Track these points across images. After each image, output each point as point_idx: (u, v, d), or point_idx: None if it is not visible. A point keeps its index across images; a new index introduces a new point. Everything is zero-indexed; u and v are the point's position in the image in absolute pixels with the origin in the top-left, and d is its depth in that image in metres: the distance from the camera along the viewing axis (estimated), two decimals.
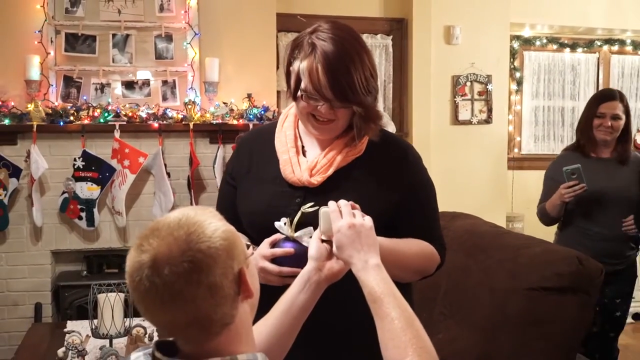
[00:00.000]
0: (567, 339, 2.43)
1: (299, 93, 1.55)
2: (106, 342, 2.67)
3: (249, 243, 1.14)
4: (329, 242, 1.36)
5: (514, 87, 5.49)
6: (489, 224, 3.15)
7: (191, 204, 4.11)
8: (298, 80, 1.55)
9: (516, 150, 5.56)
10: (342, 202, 1.36)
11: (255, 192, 1.67)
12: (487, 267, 2.73)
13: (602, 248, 3.12)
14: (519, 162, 5.46)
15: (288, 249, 1.47)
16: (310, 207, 1.48)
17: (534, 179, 5.57)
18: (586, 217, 3.21)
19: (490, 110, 4.96)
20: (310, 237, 1.46)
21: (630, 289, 3.33)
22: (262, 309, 1.44)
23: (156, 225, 1.00)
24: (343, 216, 1.33)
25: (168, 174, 4.11)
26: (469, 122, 4.91)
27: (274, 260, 1.48)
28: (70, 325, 3.16)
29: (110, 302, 2.64)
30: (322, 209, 1.37)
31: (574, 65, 5.71)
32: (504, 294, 2.59)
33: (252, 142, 1.77)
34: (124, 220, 4.07)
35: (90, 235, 4.15)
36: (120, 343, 2.72)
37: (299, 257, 1.44)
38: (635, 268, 3.40)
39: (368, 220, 1.33)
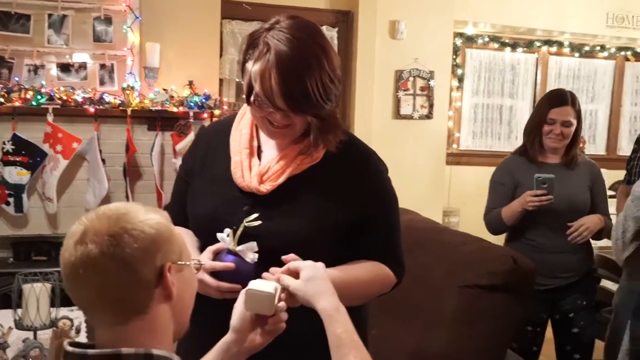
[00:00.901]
0: (499, 337, 2.44)
1: (251, 98, 1.42)
2: (30, 334, 2.53)
3: (199, 262, 1.17)
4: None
5: (455, 83, 5.53)
6: (427, 220, 3.14)
7: (126, 191, 3.99)
8: (250, 84, 1.41)
9: (455, 145, 5.61)
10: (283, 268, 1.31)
11: (203, 194, 1.55)
12: (425, 264, 2.71)
13: (553, 261, 2.88)
14: (457, 158, 5.52)
15: (228, 263, 1.39)
16: (255, 219, 1.40)
17: (471, 175, 5.67)
18: (534, 228, 2.92)
19: (431, 106, 4.98)
20: (256, 252, 1.39)
21: (587, 301, 2.97)
22: (205, 324, 1.38)
23: (99, 207, 1.06)
24: (299, 266, 1.28)
25: (103, 161, 3.97)
26: (411, 117, 4.92)
27: (215, 272, 1.39)
28: None
29: (36, 293, 2.51)
30: (248, 290, 1.24)
31: (514, 64, 5.80)
32: (439, 291, 2.57)
33: (210, 136, 1.64)
34: (55, 206, 3.91)
35: (18, 221, 3.97)
36: (46, 335, 2.59)
37: (240, 273, 1.38)
38: (594, 280, 3.15)
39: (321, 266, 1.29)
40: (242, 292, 1.26)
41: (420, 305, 2.65)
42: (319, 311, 1.21)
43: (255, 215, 1.41)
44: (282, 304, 1.27)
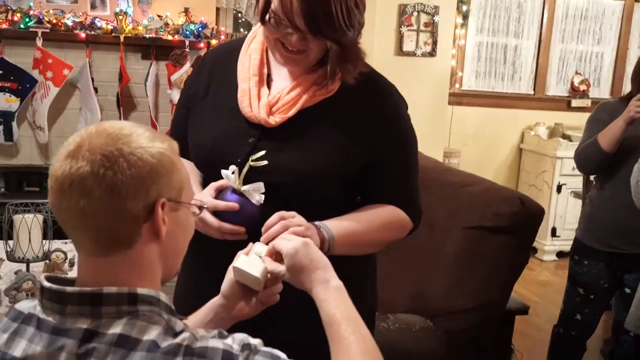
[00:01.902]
0: (502, 280, 2.42)
1: (267, 16, 1.31)
2: (22, 266, 2.49)
3: (202, 203, 1.08)
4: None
5: (459, 20, 5.38)
6: (431, 160, 3.09)
7: None
8: (268, 0, 1.30)
9: (457, 85, 5.52)
10: (278, 216, 1.23)
11: (206, 123, 1.45)
12: (428, 204, 2.64)
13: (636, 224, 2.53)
14: (458, 98, 5.44)
15: (232, 203, 1.30)
16: (261, 157, 1.31)
17: (473, 115, 5.60)
18: (621, 180, 2.47)
19: (435, 43, 4.85)
20: (262, 193, 1.31)
21: None
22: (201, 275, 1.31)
23: (104, 122, 0.97)
24: (289, 239, 1.17)
25: (95, 89, 3.85)
26: (413, 54, 4.79)
27: (217, 211, 1.31)
28: None
29: (27, 224, 2.46)
30: (235, 267, 1.16)
31: (521, 2, 5.65)
32: (442, 232, 2.55)
33: (216, 60, 1.52)
34: (46, 136, 3.82)
35: (8, 150, 3.88)
36: (38, 267, 2.55)
37: (243, 215, 1.30)
38: None
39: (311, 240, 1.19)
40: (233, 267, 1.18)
41: (421, 245, 2.62)
42: (312, 296, 1.12)
43: (261, 153, 1.33)
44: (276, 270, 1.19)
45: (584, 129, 2.82)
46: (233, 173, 1.32)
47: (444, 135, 5.08)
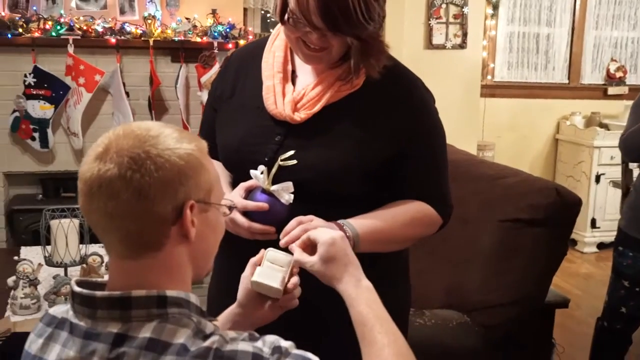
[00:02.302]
0: (539, 273, 2.39)
1: (285, 15, 1.31)
2: (60, 270, 2.54)
3: (232, 203, 1.07)
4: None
5: (489, 11, 5.33)
6: (463, 153, 3.06)
7: None
8: (285, 0, 1.30)
9: (489, 77, 5.46)
10: (297, 221, 1.23)
11: (232, 123, 1.45)
12: (461, 198, 2.62)
13: None
14: (491, 90, 5.38)
15: (262, 203, 1.30)
16: (290, 157, 1.31)
17: (506, 107, 5.53)
18: None
19: (465, 35, 4.79)
20: (292, 193, 1.30)
21: None
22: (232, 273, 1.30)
23: (131, 123, 0.97)
24: (321, 227, 1.17)
25: (127, 94, 3.90)
26: (443, 47, 4.75)
27: (247, 211, 1.31)
28: (24, 251, 3.02)
29: (64, 229, 2.50)
30: (253, 281, 1.16)
31: None
32: (476, 226, 2.52)
33: (241, 60, 1.52)
34: (81, 142, 3.89)
35: (45, 157, 3.96)
36: (76, 271, 2.59)
37: (273, 215, 1.30)
38: None
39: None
40: (246, 274, 1.19)
41: (456, 239, 2.60)
42: (340, 292, 1.12)
43: (290, 153, 1.33)
44: (295, 279, 1.18)
45: (628, 115, 2.75)
46: (262, 173, 1.32)
47: (477, 128, 5.02)
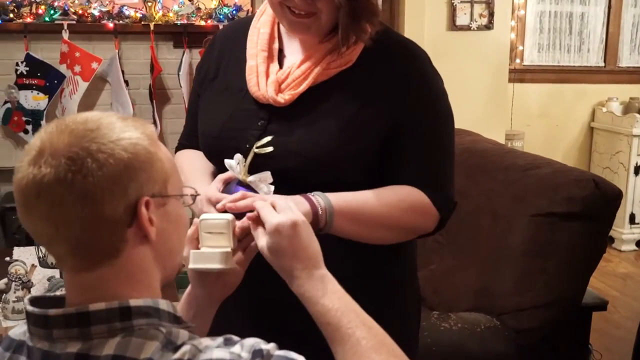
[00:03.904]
0: (577, 271, 2.35)
1: None
2: (56, 272, 2.54)
3: (195, 192, 1.01)
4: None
5: None
6: (491, 142, 3.03)
7: (153, 116, 3.94)
8: None
9: (518, 60, 5.41)
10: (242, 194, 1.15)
11: (213, 107, 1.41)
12: (489, 190, 2.62)
13: None
14: (520, 74, 5.33)
15: (237, 196, 1.22)
16: (267, 144, 1.26)
17: (537, 93, 5.47)
18: None
19: (491, 15, 4.75)
20: (271, 183, 1.25)
21: None
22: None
23: (65, 117, 0.91)
24: (279, 209, 1.06)
25: (126, 82, 3.91)
26: (468, 28, 4.71)
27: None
28: (17, 252, 3.02)
29: None
30: (191, 266, 1.09)
31: None
32: (507, 220, 2.49)
33: (225, 40, 1.48)
34: None
35: None
36: None
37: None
38: None
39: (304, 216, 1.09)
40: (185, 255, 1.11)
41: (484, 236, 2.57)
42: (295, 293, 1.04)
43: (267, 139, 1.28)
44: (243, 223, 1.11)
45: None
46: (238, 163, 1.27)
47: (505, 116, 4.98)
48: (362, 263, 1.37)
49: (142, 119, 0.98)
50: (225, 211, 1.17)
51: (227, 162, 1.29)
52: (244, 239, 1.15)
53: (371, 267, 1.40)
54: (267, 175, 1.25)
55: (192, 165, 1.44)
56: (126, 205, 0.87)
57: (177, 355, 0.84)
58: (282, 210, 1.06)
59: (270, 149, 1.27)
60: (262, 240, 1.07)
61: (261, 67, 1.36)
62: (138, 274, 0.91)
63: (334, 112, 1.31)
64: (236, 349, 0.86)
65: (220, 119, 1.38)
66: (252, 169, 1.27)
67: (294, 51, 1.38)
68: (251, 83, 1.35)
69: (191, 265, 1.10)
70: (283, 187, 1.25)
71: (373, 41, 1.32)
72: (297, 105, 1.32)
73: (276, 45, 1.39)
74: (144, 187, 0.88)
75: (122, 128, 0.89)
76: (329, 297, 1.00)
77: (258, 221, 1.08)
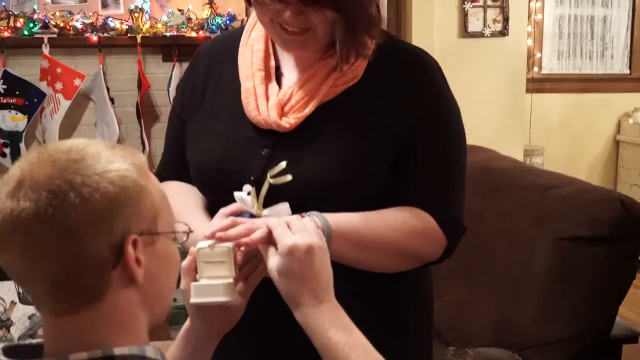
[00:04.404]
0: (604, 298, 2.35)
1: None
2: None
3: (187, 229, 1.00)
4: None
5: None
6: (508, 159, 3.04)
7: (141, 136, 3.97)
8: None
9: (536, 69, 5.44)
10: (293, 217, 1.14)
11: (205, 136, 1.39)
12: (507, 212, 2.62)
13: None
14: (539, 84, 5.36)
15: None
16: (282, 171, 1.22)
17: (557, 104, 5.49)
18: None
19: (506, 20, 4.79)
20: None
21: None
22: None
23: (47, 145, 0.91)
24: (294, 229, 1.07)
25: (111, 100, 3.95)
26: (481, 35, 4.74)
27: None
28: None
29: None
30: (193, 300, 1.09)
31: None
32: (527, 245, 2.49)
33: (211, 57, 1.46)
34: None
35: None
36: None
37: None
38: None
39: (324, 240, 1.09)
40: (184, 288, 1.13)
41: (503, 262, 2.57)
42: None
43: (282, 165, 1.23)
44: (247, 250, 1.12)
45: None
46: (249, 194, 1.24)
47: (523, 129, 4.99)
48: (360, 286, 1.35)
49: (132, 147, 0.98)
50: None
51: (237, 194, 1.25)
52: (245, 267, 1.15)
53: (369, 291, 1.38)
54: (284, 208, 1.22)
55: (183, 201, 1.40)
56: (111, 244, 0.86)
57: None
58: (298, 232, 1.07)
59: (289, 177, 1.22)
60: (272, 260, 1.07)
61: (259, 89, 1.34)
62: (123, 319, 0.90)
63: (344, 134, 1.31)
64: None
65: (217, 148, 1.36)
66: (264, 202, 1.24)
67: (292, 67, 1.37)
68: (249, 107, 1.33)
69: (192, 300, 1.10)
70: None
71: (378, 53, 1.32)
72: (302, 128, 1.31)
73: (273, 63, 1.38)
74: (131, 224, 0.87)
75: (109, 158, 0.88)
76: (336, 330, 1.01)
77: (269, 241, 1.08)
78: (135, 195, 0.88)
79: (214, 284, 1.09)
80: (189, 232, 1.01)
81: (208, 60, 1.46)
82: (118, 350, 0.86)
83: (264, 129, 1.33)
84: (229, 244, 1.11)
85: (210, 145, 1.37)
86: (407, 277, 1.42)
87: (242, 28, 1.45)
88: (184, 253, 1.11)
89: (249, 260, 1.13)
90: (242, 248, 1.12)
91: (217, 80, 1.42)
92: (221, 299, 1.08)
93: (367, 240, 1.28)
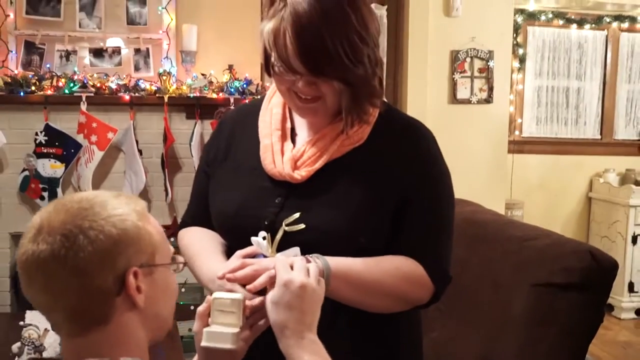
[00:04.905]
0: (577, 340, 2.34)
1: (269, 66, 1.33)
2: None
3: (181, 260, 1.08)
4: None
5: (516, 64, 5.40)
6: (491, 212, 3.05)
7: (165, 184, 3.99)
8: (267, 49, 1.32)
9: (517, 132, 5.49)
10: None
11: (227, 187, 1.44)
12: (490, 260, 2.63)
13: None
14: (519, 146, 5.41)
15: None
16: (296, 221, 1.28)
17: (536, 164, 5.53)
18: None
19: (491, 89, 4.85)
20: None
21: None
22: None
23: (64, 197, 1.00)
24: (295, 268, 1.12)
25: (140, 152, 3.98)
26: (468, 101, 4.81)
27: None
28: (30, 316, 3.01)
29: None
30: (204, 344, 1.14)
31: (581, 42, 5.63)
32: (508, 290, 2.49)
33: (235, 122, 1.53)
34: None
35: None
36: None
37: None
38: None
39: (322, 287, 1.15)
40: (197, 329, 1.18)
41: (486, 304, 2.56)
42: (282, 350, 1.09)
43: (296, 216, 1.30)
44: (255, 301, 1.16)
45: None
46: (264, 239, 1.28)
47: (505, 185, 5.02)
48: (358, 325, 1.39)
49: (135, 196, 1.05)
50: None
51: (254, 239, 1.29)
52: (251, 317, 1.19)
53: (367, 330, 1.41)
54: (296, 251, 1.27)
55: (202, 243, 1.45)
56: (114, 276, 0.94)
57: None
58: (298, 270, 1.12)
59: (302, 226, 1.28)
60: (270, 293, 1.12)
61: (276, 146, 1.40)
62: (127, 338, 0.97)
63: (349, 189, 1.36)
64: None
65: (237, 197, 1.41)
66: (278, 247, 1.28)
67: (305, 129, 1.43)
68: (266, 161, 1.39)
69: (203, 343, 1.14)
70: None
71: (381, 120, 1.38)
72: (312, 181, 1.36)
73: (289, 125, 1.44)
74: (132, 259, 0.95)
75: (114, 205, 0.96)
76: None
77: (272, 283, 1.14)
78: (135, 235, 0.96)
79: (223, 332, 1.13)
80: (184, 264, 1.10)
81: (232, 124, 1.53)
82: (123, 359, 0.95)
83: (279, 181, 1.38)
84: (240, 296, 1.16)
85: (231, 194, 1.42)
86: (401, 319, 1.46)
87: (261, 99, 1.52)
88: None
89: (255, 312, 1.18)
90: (249, 301, 1.17)
91: (239, 140, 1.48)
92: (228, 346, 1.13)
93: (363, 282, 1.32)
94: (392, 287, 1.35)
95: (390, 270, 1.35)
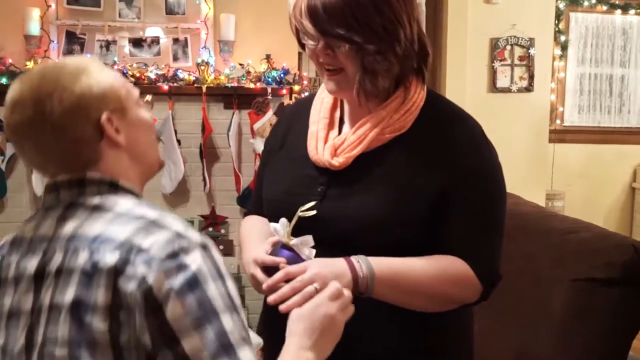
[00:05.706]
0: (617, 337, 2.32)
1: (298, 36, 1.39)
2: None
3: (149, 96, 1.23)
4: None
5: (557, 52, 5.33)
6: (531, 204, 3.02)
7: (203, 174, 4.04)
8: (292, 17, 1.36)
9: (558, 121, 5.42)
10: (284, 274, 1.25)
11: (277, 174, 1.49)
12: (530, 254, 2.61)
13: None
14: (560, 135, 5.34)
15: (279, 258, 1.28)
16: (310, 208, 1.29)
17: (577, 153, 5.46)
18: None
19: (531, 77, 4.81)
20: (312, 246, 1.29)
21: None
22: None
23: (50, 62, 1.23)
24: (330, 295, 1.16)
25: (178, 141, 4.03)
26: (508, 90, 4.77)
27: (268, 268, 1.29)
28: None
29: None
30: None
31: (625, 28, 5.53)
32: (547, 284, 2.47)
33: (292, 113, 1.58)
34: None
35: None
36: None
37: None
38: None
39: (346, 316, 1.17)
40: None
41: (524, 299, 2.55)
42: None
43: (311, 204, 1.31)
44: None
45: None
46: (286, 224, 1.32)
47: (545, 176, 4.98)
48: (406, 330, 1.39)
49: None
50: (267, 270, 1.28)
51: (272, 225, 1.35)
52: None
53: (414, 334, 1.41)
54: (308, 239, 1.29)
55: (252, 229, 1.52)
56: (92, 125, 1.09)
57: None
58: (337, 300, 1.16)
59: (313, 212, 1.29)
60: (297, 311, 1.17)
61: (321, 133, 1.42)
62: (121, 170, 1.12)
63: (388, 178, 1.35)
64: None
65: (284, 184, 1.45)
66: (312, 234, 1.30)
67: (353, 118, 1.44)
68: (311, 147, 1.42)
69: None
70: (344, 249, 1.29)
71: (426, 108, 1.38)
72: (353, 170, 1.37)
73: (338, 114, 1.46)
74: (102, 108, 1.09)
75: (97, 70, 1.12)
76: None
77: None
78: (101, 88, 1.10)
79: None
80: (149, 100, 1.29)
81: (290, 116, 1.59)
82: (122, 182, 1.12)
83: (322, 168, 1.40)
84: (258, 341, 1.26)
85: (279, 181, 1.47)
86: (451, 323, 1.46)
87: (315, 94, 1.54)
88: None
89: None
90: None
91: (294, 130, 1.52)
92: None
93: (407, 284, 1.31)
94: (437, 290, 1.33)
95: (436, 272, 1.32)
